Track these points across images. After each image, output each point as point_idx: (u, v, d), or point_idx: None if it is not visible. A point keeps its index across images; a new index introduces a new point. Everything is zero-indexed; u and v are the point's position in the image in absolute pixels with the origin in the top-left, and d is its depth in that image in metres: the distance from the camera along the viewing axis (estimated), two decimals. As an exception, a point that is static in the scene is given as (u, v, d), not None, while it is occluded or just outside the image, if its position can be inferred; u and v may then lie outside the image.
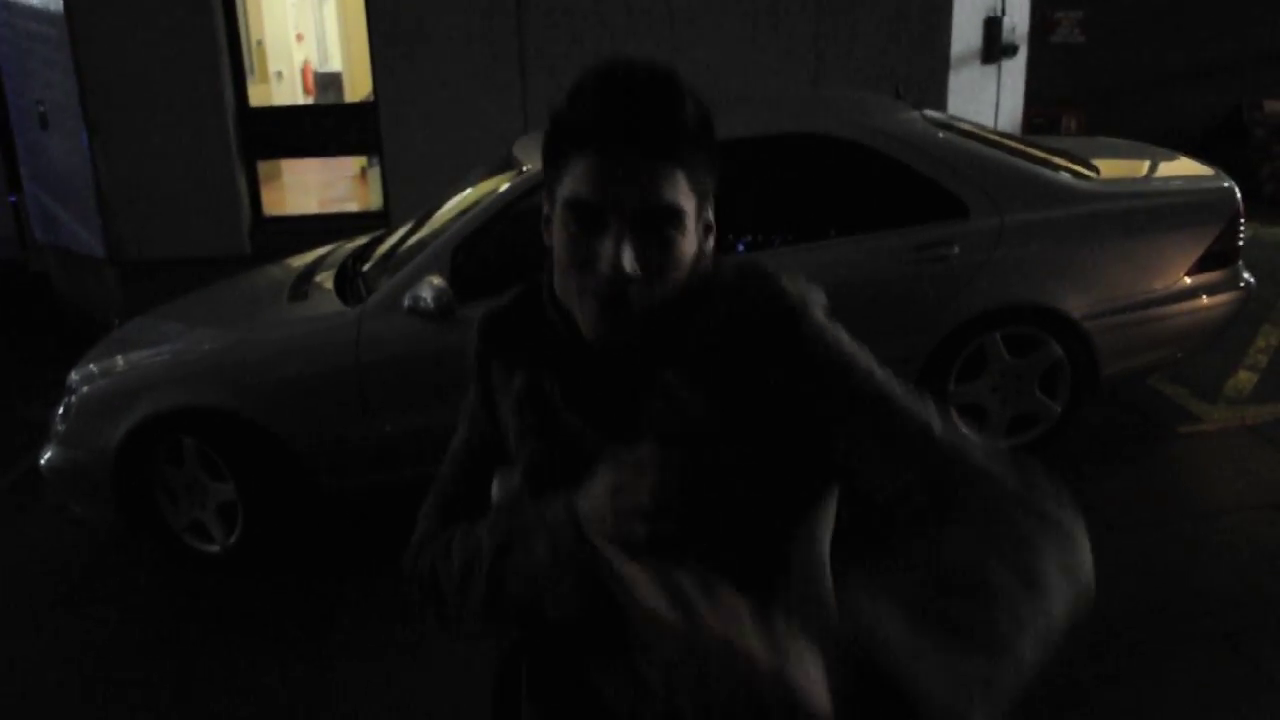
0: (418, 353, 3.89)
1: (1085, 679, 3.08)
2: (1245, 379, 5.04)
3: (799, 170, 4.21)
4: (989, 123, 7.25)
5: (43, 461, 4.15)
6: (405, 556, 1.30)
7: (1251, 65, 9.19)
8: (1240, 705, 2.96)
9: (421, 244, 4.18)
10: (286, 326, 4.24)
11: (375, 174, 8.35)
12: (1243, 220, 4.32)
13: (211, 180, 7.45)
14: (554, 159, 1.11)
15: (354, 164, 10.03)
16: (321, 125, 8.15)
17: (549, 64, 7.05)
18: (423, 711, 3.22)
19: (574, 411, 1.16)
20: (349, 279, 4.37)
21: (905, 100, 4.92)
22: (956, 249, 4.05)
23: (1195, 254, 4.21)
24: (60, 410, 4.16)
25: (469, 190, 4.46)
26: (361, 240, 5.03)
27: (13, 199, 8.90)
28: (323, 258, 4.91)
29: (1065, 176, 4.34)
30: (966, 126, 4.79)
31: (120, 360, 4.21)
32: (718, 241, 1.20)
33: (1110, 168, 4.69)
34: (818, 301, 1.14)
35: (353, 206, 9.36)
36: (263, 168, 8.13)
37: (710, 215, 1.16)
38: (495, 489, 1.24)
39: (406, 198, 7.01)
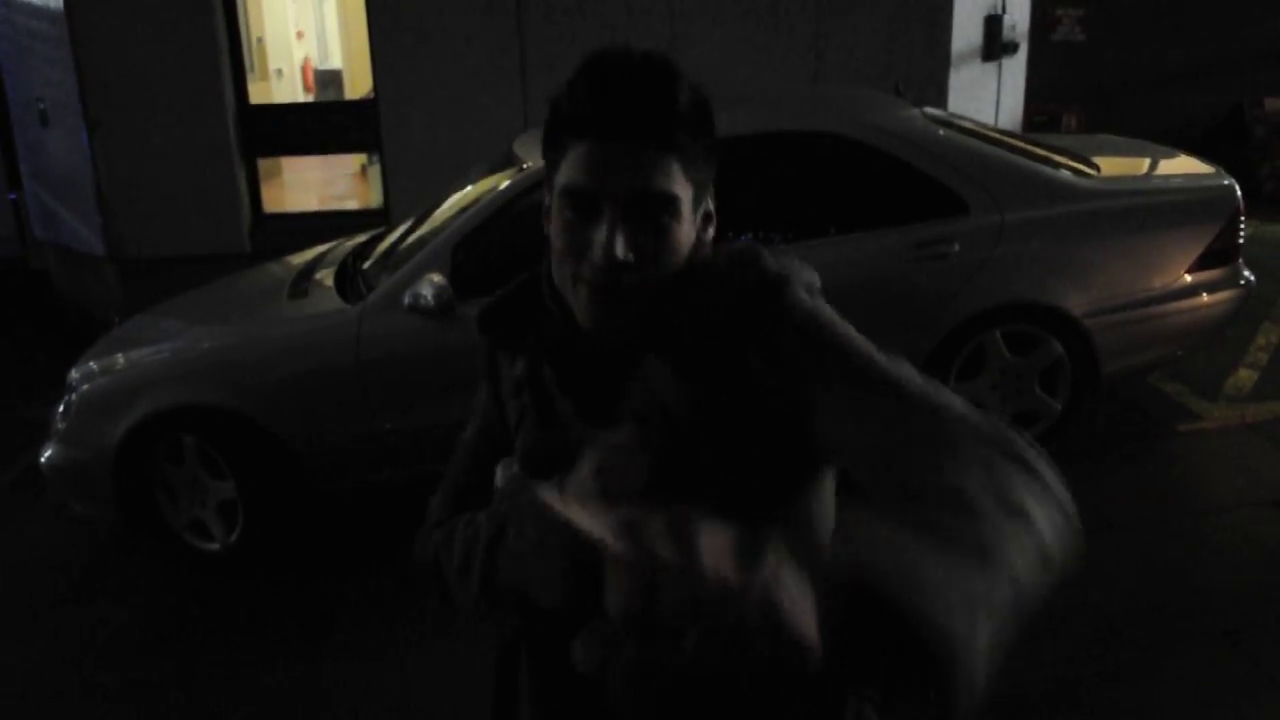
0: (418, 350, 3.89)
1: (1085, 677, 3.08)
2: (1245, 377, 5.04)
3: (799, 168, 4.21)
4: (989, 120, 7.25)
5: (43, 460, 4.15)
6: (415, 543, 1.32)
7: (1252, 64, 9.18)
8: (1240, 703, 2.96)
9: (422, 242, 4.18)
10: (287, 324, 4.24)
11: (375, 171, 8.34)
12: (1243, 218, 4.32)
13: (211, 178, 7.44)
14: (552, 148, 1.12)
15: (354, 161, 10.03)
16: (322, 123, 8.14)
17: (549, 63, 7.04)
18: (423, 711, 3.22)
19: (569, 398, 1.17)
20: (349, 277, 4.37)
21: (905, 98, 4.92)
22: (957, 246, 4.05)
23: (1195, 252, 4.21)
24: (60, 409, 4.16)
25: (469, 188, 4.45)
26: (362, 238, 5.03)
27: (13, 197, 8.89)
28: (323, 255, 4.91)
29: (1066, 174, 4.34)
30: (967, 124, 4.79)
31: (120, 358, 4.20)
32: (718, 235, 1.20)
33: (1111, 165, 4.69)
34: (802, 279, 1.12)
35: (353, 204, 9.36)
36: (263, 165, 8.12)
37: (711, 205, 1.17)
38: (498, 476, 1.24)
39: (407, 195, 7.01)
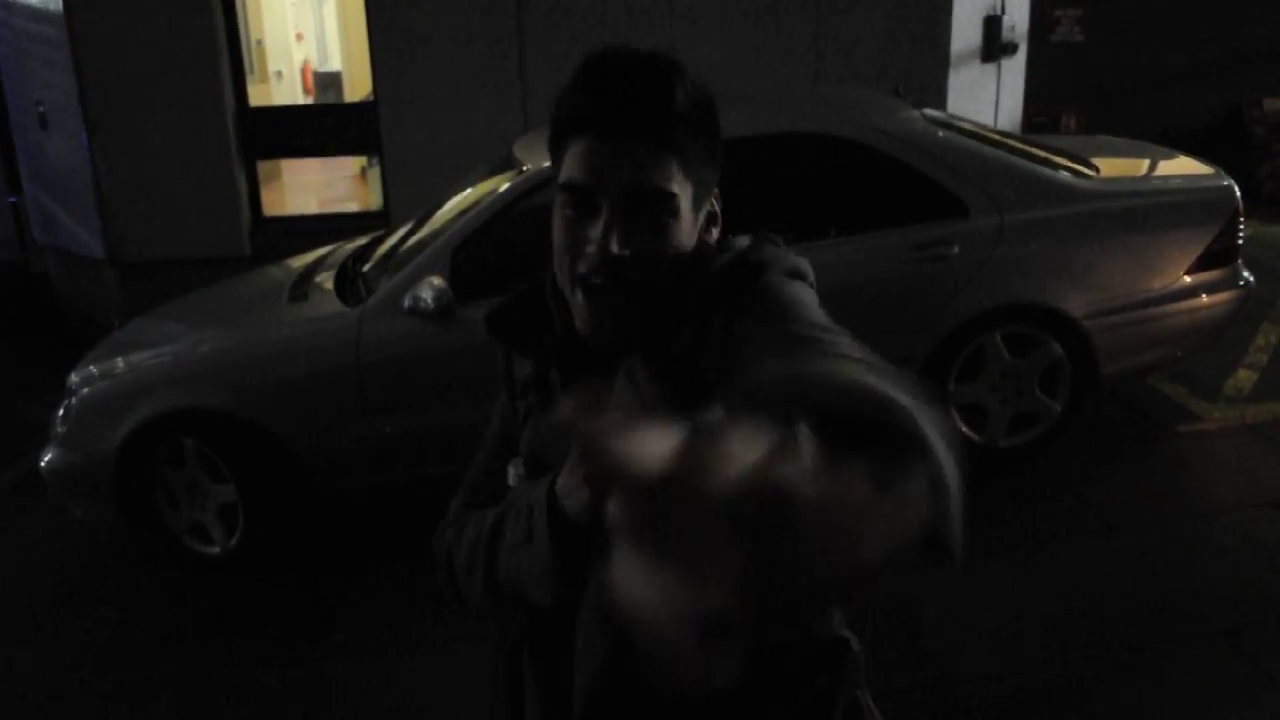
0: (418, 353, 3.89)
1: (1085, 678, 3.08)
2: (1245, 378, 5.04)
3: (799, 169, 4.21)
4: (989, 121, 7.25)
5: (43, 463, 4.15)
6: (433, 540, 1.33)
7: (1251, 64, 9.18)
8: (1241, 704, 2.96)
9: (421, 244, 4.18)
10: (286, 327, 4.24)
11: (375, 174, 8.35)
12: (1242, 219, 4.32)
13: (211, 180, 7.45)
14: (555, 147, 1.13)
15: (354, 164, 10.03)
16: (321, 125, 8.15)
17: (549, 64, 7.05)
18: (423, 711, 3.22)
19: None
20: (349, 279, 4.37)
21: (905, 99, 4.92)
22: (956, 248, 4.05)
23: (1195, 253, 4.21)
24: (60, 412, 4.16)
25: (469, 190, 4.46)
26: (361, 240, 5.03)
27: (12, 200, 8.89)
28: (323, 258, 4.91)
29: (1065, 175, 4.34)
30: (966, 125, 4.79)
31: (120, 362, 4.20)
32: (723, 237, 1.20)
33: (1110, 166, 4.69)
34: (785, 266, 1.11)
35: (353, 206, 9.37)
36: (262, 168, 8.13)
37: (716, 206, 1.17)
38: (510, 476, 1.25)
39: (406, 198, 7.01)
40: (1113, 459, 4.40)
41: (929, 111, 4.81)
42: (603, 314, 1.10)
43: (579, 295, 1.10)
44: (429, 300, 3.77)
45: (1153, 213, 4.31)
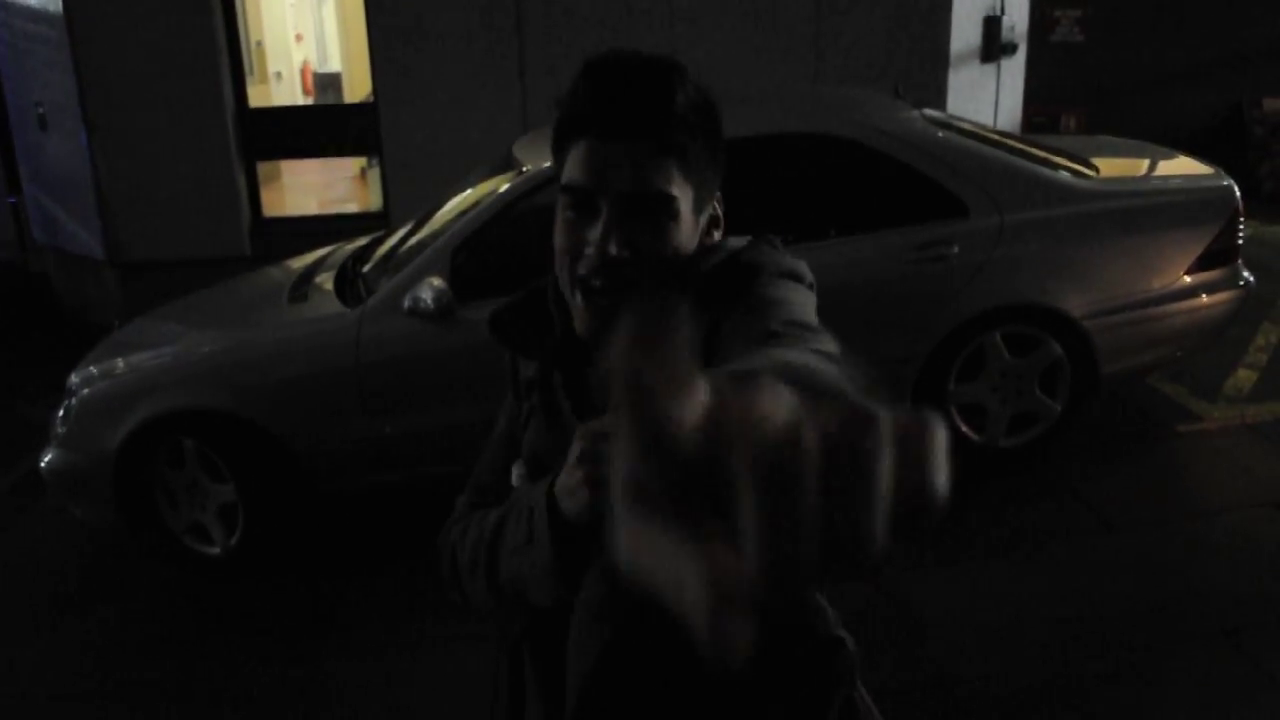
0: (418, 354, 3.89)
1: (1085, 678, 3.08)
2: (1245, 377, 5.04)
3: (798, 169, 4.21)
4: (988, 122, 7.25)
5: (43, 464, 4.15)
6: (439, 538, 1.33)
7: (1251, 64, 9.18)
8: (1241, 703, 2.96)
9: (421, 245, 4.18)
10: (286, 328, 4.24)
11: (375, 174, 8.35)
12: (1242, 219, 4.32)
13: (211, 181, 7.45)
14: (557, 149, 1.14)
15: (354, 164, 10.04)
16: (321, 126, 8.15)
17: (549, 64, 7.05)
18: (423, 711, 3.22)
19: (570, 399, 1.18)
20: (349, 280, 4.37)
21: (905, 99, 4.92)
22: (956, 248, 4.05)
23: (1195, 252, 4.21)
24: (60, 412, 4.16)
25: (469, 191, 4.46)
26: (361, 241, 5.03)
27: (12, 200, 8.89)
28: (322, 259, 4.91)
29: (1065, 175, 4.34)
30: (966, 125, 4.79)
31: (120, 362, 4.21)
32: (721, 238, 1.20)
33: (1110, 166, 4.69)
34: (779, 268, 1.11)
35: (352, 207, 9.37)
36: (262, 168, 8.13)
37: (718, 210, 1.17)
38: (514, 476, 1.25)
39: (406, 198, 7.01)
40: (1113, 459, 4.40)
41: (929, 111, 4.81)
42: (601, 315, 1.10)
43: (578, 297, 1.11)
44: (429, 301, 3.77)
45: (1153, 213, 4.31)
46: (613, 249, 1.06)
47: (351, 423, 3.95)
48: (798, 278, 1.13)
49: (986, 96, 7.69)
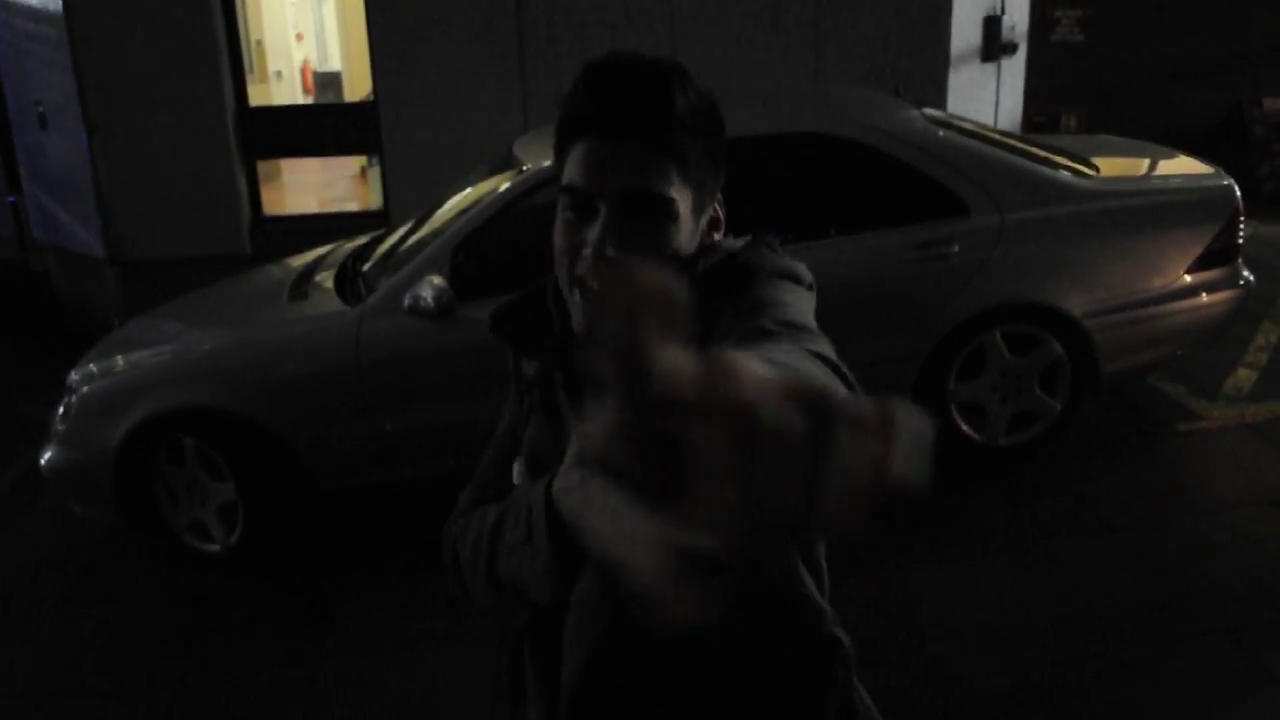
0: (418, 352, 3.89)
1: (1085, 676, 3.08)
2: (1245, 377, 5.04)
3: (799, 169, 4.21)
4: (989, 121, 7.25)
5: (43, 461, 4.15)
6: (442, 531, 1.33)
7: (1251, 63, 9.18)
8: (1241, 701, 2.96)
9: (421, 244, 4.18)
10: (286, 326, 4.24)
11: (375, 173, 8.36)
12: (1242, 218, 4.32)
13: (211, 180, 7.45)
14: (559, 150, 1.14)
15: (354, 163, 10.04)
16: (321, 125, 8.16)
17: (549, 64, 7.05)
18: (423, 711, 3.22)
19: (568, 398, 1.19)
20: (349, 279, 4.37)
21: (905, 98, 4.92)
22: (957, 248, 4.05)
23: (1195, 252, 4.21)
24: (60, 410, 4.16)
25: (469, 190, 4.46)
26: (361, 240, 5.03)
27: (12, 199, 8.89)
28: (323, 257, 4.91)
29: (1065, 175, 4.34)
30: (966, 125, 4.79)
31: (120, 360, 4.21)
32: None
33: (1110, 166, 4.69)
34: (776, 269, 1.11)
35: (353, 206, 9.37)
36: (262, 167, 8.14)
37: (719, 211, 1.17)
38: (515, 473, 1.26)
39: (406, 197, 7.01)
40: (1113, 458, 4.40)
41: (929, 111, 4.81)
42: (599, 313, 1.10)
43: (576, 297, 1.11)
44: (429, 299, 3.77)
45: (1153, 212, 4.31)
46: (610, 251, 1.06)
47: (351, 421, 3.95)
48: (795, 279, 1.14)
49: (987, 96, 7.69)
